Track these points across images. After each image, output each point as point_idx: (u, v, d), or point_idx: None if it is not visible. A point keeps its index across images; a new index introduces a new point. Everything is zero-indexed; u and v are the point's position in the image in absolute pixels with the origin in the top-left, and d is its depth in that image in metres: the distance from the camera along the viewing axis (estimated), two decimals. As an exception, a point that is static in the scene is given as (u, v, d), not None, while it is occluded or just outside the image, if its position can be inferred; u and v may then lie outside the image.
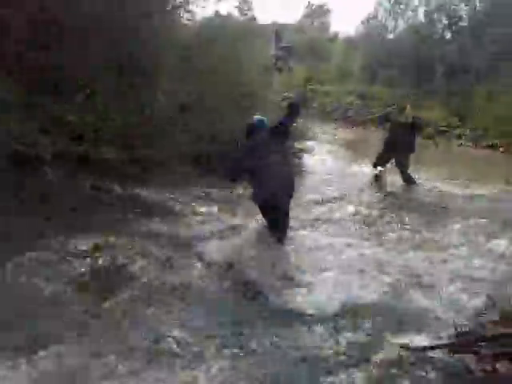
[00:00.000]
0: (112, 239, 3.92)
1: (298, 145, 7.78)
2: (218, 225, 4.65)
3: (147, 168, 5.42)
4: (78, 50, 5.07)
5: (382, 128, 7.93)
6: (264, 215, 4.43)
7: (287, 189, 4.31)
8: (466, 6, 14.06)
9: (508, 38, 11.83)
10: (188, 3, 8.51)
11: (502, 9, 12.55)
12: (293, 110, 4.51)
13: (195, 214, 4.94)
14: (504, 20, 12.23)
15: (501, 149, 10.44)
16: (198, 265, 3.74)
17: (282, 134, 4.43)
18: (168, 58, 6.12)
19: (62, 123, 4.94)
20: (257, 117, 4.77)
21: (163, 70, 5.93)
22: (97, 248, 3.73)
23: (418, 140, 7.16)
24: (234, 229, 4.58)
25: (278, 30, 19.58)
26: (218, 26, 9.51)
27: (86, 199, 4.72)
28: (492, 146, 10.63)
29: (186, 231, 4.43)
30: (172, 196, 5.30)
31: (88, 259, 3.58)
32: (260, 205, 4.37)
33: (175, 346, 2.68)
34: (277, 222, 4.30)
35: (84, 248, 3.71)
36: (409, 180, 6.79)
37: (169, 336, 2.76)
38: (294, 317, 3.05)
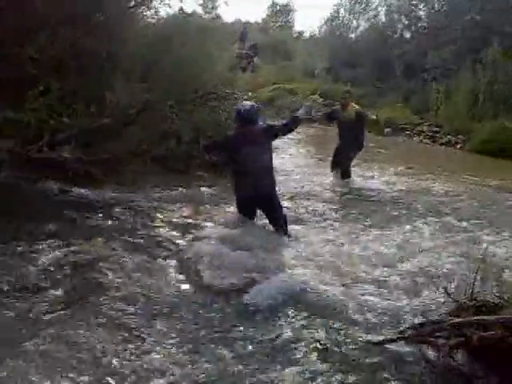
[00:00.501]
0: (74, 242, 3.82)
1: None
2: (184, 225, 4.59)
3: (107, 168, 5.31)
4: (29, 46, 4.91)
5: (333, 125, 7.94)
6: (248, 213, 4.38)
7: (265, 185, 4.25)
8: (425, 7, 14.44)
9: (463, 38, 12.22)
10: (151, 1, 8.40)
11: (458, 10, 12.94)
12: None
13: (160, 212, 4.87)
14: (460, 21, 12.61)
15: (458, 146, 10.77)
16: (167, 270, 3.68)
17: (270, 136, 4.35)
18: (128, 56, 6.00)
19: (16, 124, 4.79)
20: (246, 104, 4.43)
21: (122, 68, 5.81)
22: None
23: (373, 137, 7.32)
24: (198, 227, 4.54)
25: (245, 30, 19.56)
26: (181, 23, 9.42)
27: (45, 201, 4.59)
28: (449, 143, 10.97)
29: (150, 232, 4.36)
30: (133, 196, 5.21)
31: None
32: (240, 200, 4.36)
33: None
34: (274, 220, 4.32)
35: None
36: (346, 174, 6.78)
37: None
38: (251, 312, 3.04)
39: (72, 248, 3.77)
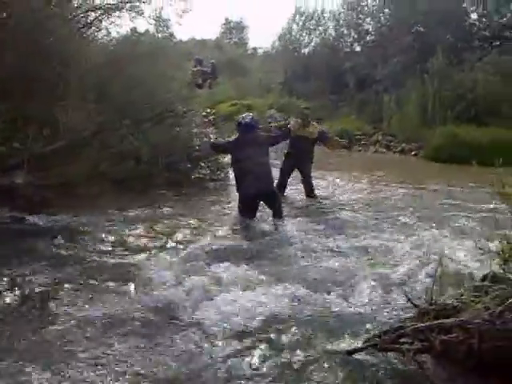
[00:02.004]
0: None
1: (222, 159, 7.80)
2: (144, 247, 4.50)
3: (62, 192, 5.16)
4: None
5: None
6: (248, 210, 5.18)
7: (267, 182, 5.16)
8: (372, 20, 14.98)
9: (410, 49, 12.74)
10: (101, 21, 8.31)
11: (403, 23, 13.50)
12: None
13: (118, 235, 4.76)
14: (406, 33, 13.15)
15: (412, 153, 11.15)
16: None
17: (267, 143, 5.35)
18: (80, 78, 5.89)
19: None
20: (245, 116, 5.43)
21: (74, 90, 5.69)
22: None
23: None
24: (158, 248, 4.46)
25: (200, 58, 19.60)
26: (133, 43, 9.36)
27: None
28: (403, 151, 11.33)
29: (109, 257, 4.24)
30: (91, 220, 5.08)
31: None
32: (244, 198, 5.16)
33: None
34: (275, 210, 5.21)
35: None
36: (312, 191, 6.73)
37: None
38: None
39: (26, 278, 3.62)
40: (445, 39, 12.37)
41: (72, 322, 3.05)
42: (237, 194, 5.39)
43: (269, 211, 5.38)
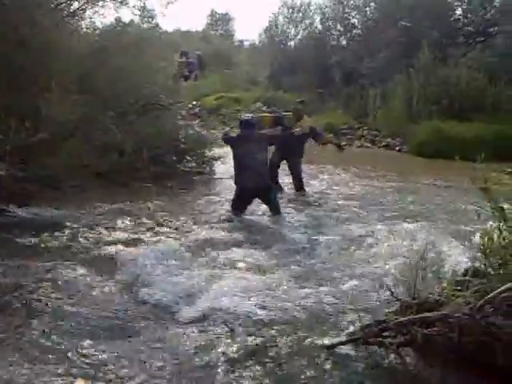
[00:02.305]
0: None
1: (209, 152, 7.76)
2: (128, 241, 4.46)
3: (45, 185, 5.08)
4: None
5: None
6: (241, 203, 5.40)
7: (265, 176, 5.38)
8: (358, 14, 14.97)
9: (396, 43, 12.78)
10: (84, 10, 8.18)
11: (389, 17, 13.53)
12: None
13: (102, 229, 4.71)
14: (392, 27, 13.18)
15: (397, 148, 11.22)
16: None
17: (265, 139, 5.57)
18: (63, 69, 5.79)
19: None
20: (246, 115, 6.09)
21: (58, 80, 5.60)
22: None
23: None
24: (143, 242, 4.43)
25: (186, 50, 19.42)
26: (118, 33, 9.24)
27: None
28: (388, 146, 11.40)
29: (92, 250, 4.21)
30: (73, 213, 5.02)
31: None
32: (240, 190, 5.38)
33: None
34: (271, 207, 5.42)
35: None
36: (301, 186, 6.75)
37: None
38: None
39: (8, 271, 3.58)
40: (430, 34, 12.42)
41: (57, 319, 3.01)
42: (233, 185, 5.61)
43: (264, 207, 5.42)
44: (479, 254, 2.86)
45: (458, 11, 13.67)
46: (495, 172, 8.16)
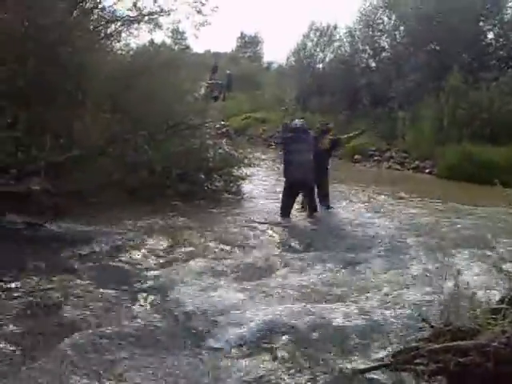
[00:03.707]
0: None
1: (236, 172, 7.80)
2: (160, 257, 4.49)
3: (77, 200, 5.19)
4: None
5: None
6: (289, 195, 6.24)
7: (311, 174, 6.11)
8: (387, 38, 15.00)
9: (425, 66, 12.72)
10: (120, 33, 8.44)
11: (419, 40, 13.51)
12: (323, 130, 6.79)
13: (133, 244, 4.76)
14: (421, 51, 13.16)
15: (426, 170, 11.06)
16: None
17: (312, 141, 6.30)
18: (97, 88, 5.97)
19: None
20: (297, 121, 6.53)
21: (92, 99, 5.77)
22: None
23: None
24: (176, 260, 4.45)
25: (216, 63, 19.83)
26: (150, 55, 9.49)
27: (11, 236, 4.43)
28: (417, 168, 11.25)
29: (125, 266, 4.25)
30: (104, 228, 5.10)
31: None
32: (289, 182, 6.20)
33: None
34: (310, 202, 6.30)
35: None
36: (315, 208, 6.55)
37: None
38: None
39: (41, 286, 3.63)
40: (461, 58, 12.33)
41: (87, 334, 3.01)
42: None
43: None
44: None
45: (490, 35, 13.54)
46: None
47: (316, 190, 6.61)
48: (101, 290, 3.65)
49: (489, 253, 4.70)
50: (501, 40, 13.21)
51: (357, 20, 15.51)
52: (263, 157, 12.05)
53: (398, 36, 14.78)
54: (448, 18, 12.80)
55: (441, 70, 12.17)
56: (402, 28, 14.68)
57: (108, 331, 3.05)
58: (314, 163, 6.27)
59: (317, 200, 6.49)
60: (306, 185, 6.20)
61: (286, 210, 6.22)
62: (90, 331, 3.04)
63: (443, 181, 10.04)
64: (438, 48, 13.20)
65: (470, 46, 12.68)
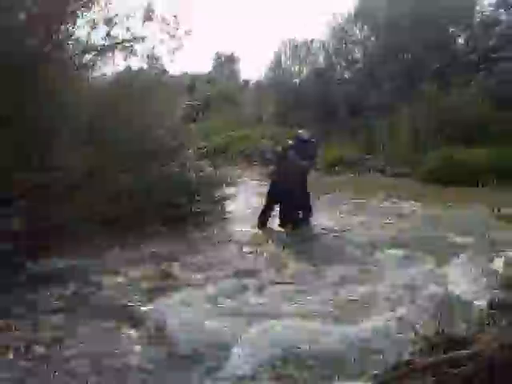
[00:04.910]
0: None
1: (219, 192, 7.75)
2: (146, 289, 4.39)
3: (57, 235, 5.07)
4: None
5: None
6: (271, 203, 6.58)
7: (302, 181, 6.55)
8: (360, 49, 15.28)
9: (399, 76, 12.95)
10: (95, 62, 8.41)
11: (391, 51, 13.78)
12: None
13: (118, 276, 4.65)
14: (394, 61, 13.41)
15: (407, 176, 11.17)
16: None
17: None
18: (72, 120, 5.90)
19: None
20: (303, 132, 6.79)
21: (66, 130, 5.69)
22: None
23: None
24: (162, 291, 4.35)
25: (193, 84, 19.93)
26: (127, 81, 9.45)
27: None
28: (397, 175, 11.38)
29: (110, 301, 4.14)
30: (86, 262, 4.96)
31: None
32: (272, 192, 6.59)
33: None
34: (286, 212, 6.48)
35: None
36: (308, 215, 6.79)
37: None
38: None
39: (24, 329, 3.51)
40: (432, 64, 12.59)
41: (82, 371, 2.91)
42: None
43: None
44: (503, 286, 2.77)
45: (460, 40, 13.87)
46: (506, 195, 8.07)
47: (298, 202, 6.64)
48: (92, 326, 3.54)
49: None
50: (470, 44, 13.54)
51: (329, 34, 15.79)
52: (246, 175, 12.04)
53: (370, 47, 15.07)
54: (418, 25, 13.10)
55: (414, 77, 12.40)
56: (373, 39, 14.99)
57: (100, 367, 2.95)
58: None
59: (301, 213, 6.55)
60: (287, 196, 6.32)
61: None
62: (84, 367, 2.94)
63: (423, 184, 10.17)
64: (409, 57, 13.47)
65: (440, 52, 12.97)
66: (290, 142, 6.80)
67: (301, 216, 6.73)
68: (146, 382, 2.85)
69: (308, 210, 6.79)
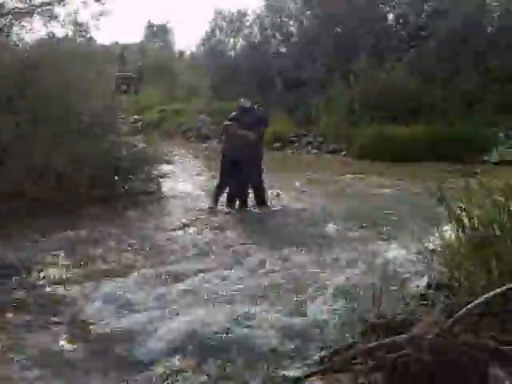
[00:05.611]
0: None
1: (155, 170, 7.42)
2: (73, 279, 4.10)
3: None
4: None
5: None
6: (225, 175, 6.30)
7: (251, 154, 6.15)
8: (295, 23, 15.16)
9: (334, 50, 13.02)
10: (11, 26, 7.70)
11: (325, 25, 13.78)
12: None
13: (46, 265, 4.32)
14: (329, 34, 13.44)
15: (342, 153, 11.37)
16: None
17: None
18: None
19: None
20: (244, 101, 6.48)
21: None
22: None
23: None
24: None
25: (122, 53, 18.96)
26: (50, 48, 8.74)
27: None
28: (333, 151, 11.55)
29: (36, 291, 3.84)
30: (9, 247, 4.59)
31: None
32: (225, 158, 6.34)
33: None
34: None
35: None
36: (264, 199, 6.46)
37: None
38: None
39: None
40: (365, 40, 12.74)
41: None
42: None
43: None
44: (441, 265, 2.82)
45: (391, 16, 14.12)
46: (438, 171, 8.43)
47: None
48: (12, 317, 3.26)
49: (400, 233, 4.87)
50: (401, 21, 13.82)
51: (264, 6, 15.53)
52: (182, 151, 11.72)
53: (305, 21, 14.99)
54: (351, 1, 13.17)
55: (349, 53, 12.51)
56: (308, 13, 14.89)
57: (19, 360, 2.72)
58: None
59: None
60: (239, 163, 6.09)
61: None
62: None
63: (355, 161, 10.40)
64: (344, 31, 13.54)
65: (373, 28, 13.14)
66: (234, 113, 6.51)
67: (251, 195, 6.34)
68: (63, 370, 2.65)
69: (260, 190, 6.33)
